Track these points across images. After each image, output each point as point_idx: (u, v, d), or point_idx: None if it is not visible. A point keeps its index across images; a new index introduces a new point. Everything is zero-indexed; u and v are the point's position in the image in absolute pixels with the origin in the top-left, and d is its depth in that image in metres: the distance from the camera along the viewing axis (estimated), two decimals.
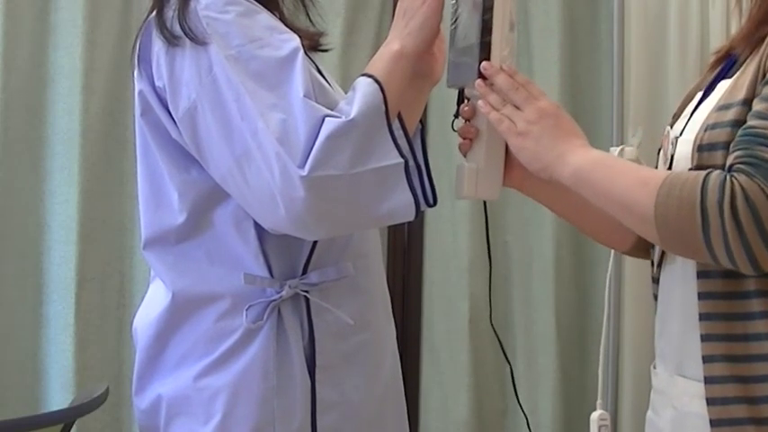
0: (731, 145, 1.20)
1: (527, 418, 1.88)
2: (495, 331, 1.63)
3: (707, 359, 1.24)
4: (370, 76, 1.39)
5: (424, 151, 1.42)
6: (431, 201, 1.38)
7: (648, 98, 2.87)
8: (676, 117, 1.41)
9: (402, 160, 1.34)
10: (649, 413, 1.43)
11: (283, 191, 1.31)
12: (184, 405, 1.44)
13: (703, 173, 1.17)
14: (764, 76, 1.22)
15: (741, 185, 1.14)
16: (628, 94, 2.86)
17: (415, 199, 1.35)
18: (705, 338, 1.24)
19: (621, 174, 1.26)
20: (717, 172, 1.17)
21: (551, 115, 1.35)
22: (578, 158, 1.30)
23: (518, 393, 1.93)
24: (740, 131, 1.20)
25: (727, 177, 1.15)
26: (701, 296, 1.25)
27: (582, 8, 3.04)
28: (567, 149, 1.31)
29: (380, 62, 1.42)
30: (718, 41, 2.73)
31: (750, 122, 1.19)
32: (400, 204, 1.35)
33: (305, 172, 1.30)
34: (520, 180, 1.45)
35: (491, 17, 1.38)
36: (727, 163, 1.19)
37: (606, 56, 2.95)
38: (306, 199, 1.30)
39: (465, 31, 1.43)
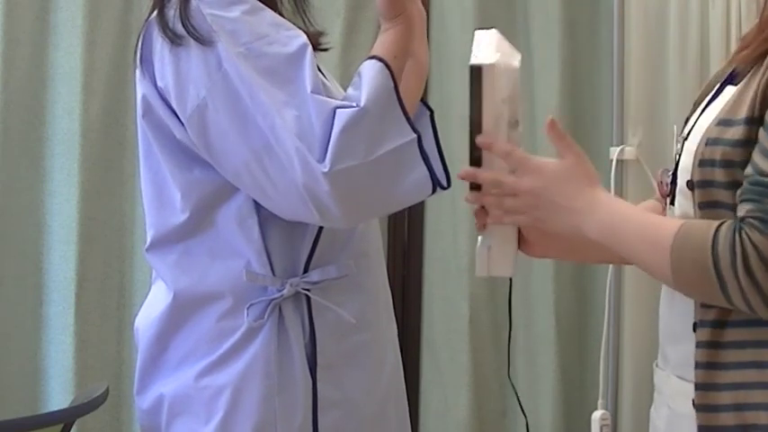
0: (738, 193, 1.20)
1: (527, 418, 1.88)
2: (513, 386, 1.67)
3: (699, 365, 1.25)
4: (373, 56, 1.41)
5: (435, 132, 1.44)
6: (443, 177, 1.38)
7: (648, 98, 2.87)
8: (697, 105, 1.41)
9: (415, 135, 1.36)
10: (652, 410, 1.43)
11: (308, 186, 1.32)
12: (186, 404, 1.44)
13: (712, 230, 1.18)
14: (763, 103, 1.21)
15: (753, 243, 1.15)
16: (628, 94, 2.85)
17: (430, 173, 1.36)
18: (700, 345, 1.25)
19: (627, 240, 1.27)
20: (725, 227, 1.18)
21: (541, 190, 1.31)
22: (591, 227, 1.29)
23: (518, 393, 1.93)
24: (748, 179, 1.19)
25: (737, 237, 1.16)
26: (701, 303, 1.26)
27: (582, 8, 3.03)
28: (577, 222, 1.30)
29: (381, 46, 1.45)
30: (718, 41, 2.73)
31: (759, 166, 1.18)
32: (417, 180, 1.36)
33: (326, 168, 1.31)
34: (543, 251, 1.50)
35: (479, 116, 1.34)
36: (739, 214, 1.19)
37: (606, 56, 2.95)
38: (331, 193, 1.32)
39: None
